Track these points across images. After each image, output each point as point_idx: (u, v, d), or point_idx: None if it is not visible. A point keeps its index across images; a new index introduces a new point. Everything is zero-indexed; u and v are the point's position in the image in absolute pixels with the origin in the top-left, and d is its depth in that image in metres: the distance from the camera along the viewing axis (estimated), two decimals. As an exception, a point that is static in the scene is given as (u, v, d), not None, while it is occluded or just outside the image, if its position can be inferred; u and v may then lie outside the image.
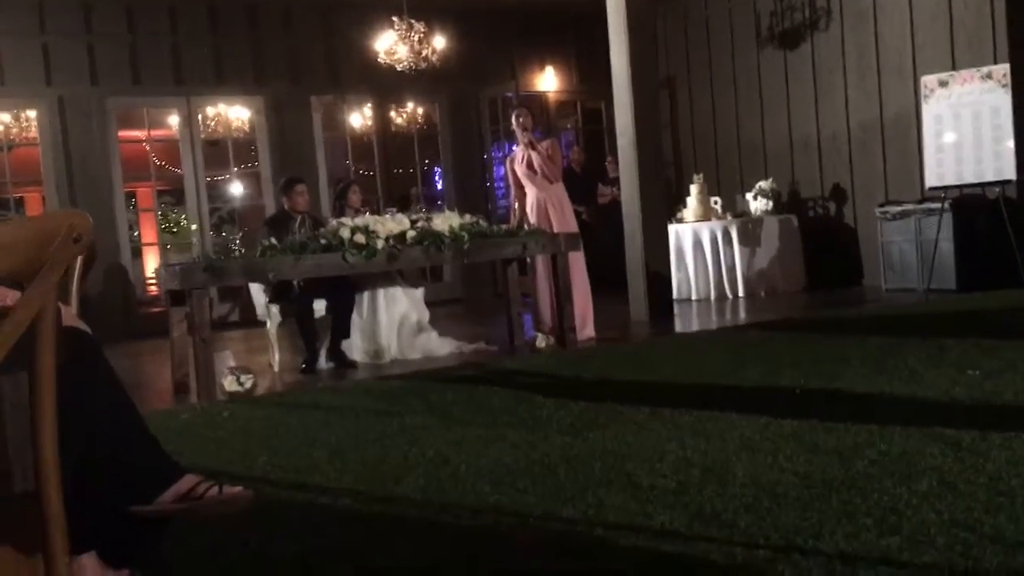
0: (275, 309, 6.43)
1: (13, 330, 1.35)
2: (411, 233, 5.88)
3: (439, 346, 6.63)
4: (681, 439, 3.43)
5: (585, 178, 10.81)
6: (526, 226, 6.72)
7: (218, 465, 3.61)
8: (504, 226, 6.61)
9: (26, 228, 1.43)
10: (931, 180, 7.90)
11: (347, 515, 2.88)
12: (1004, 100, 7.43)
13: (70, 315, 2.31)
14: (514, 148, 7.32)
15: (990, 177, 7.53)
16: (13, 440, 1.41)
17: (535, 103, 11.73)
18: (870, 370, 4.43)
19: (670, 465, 3.10)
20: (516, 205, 7.19)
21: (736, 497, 2.71)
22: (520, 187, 7.10)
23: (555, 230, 6.75)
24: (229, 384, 5.26)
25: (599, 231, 10.17)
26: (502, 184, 12.32)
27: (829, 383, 4.28)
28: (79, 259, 2.40)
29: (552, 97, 11.83)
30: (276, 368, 6.46)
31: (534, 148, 6.90)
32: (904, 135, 8.96)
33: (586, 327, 6.89)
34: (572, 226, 6.91)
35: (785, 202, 9.79)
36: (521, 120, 6.95)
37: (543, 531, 2.59)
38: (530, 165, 6.94)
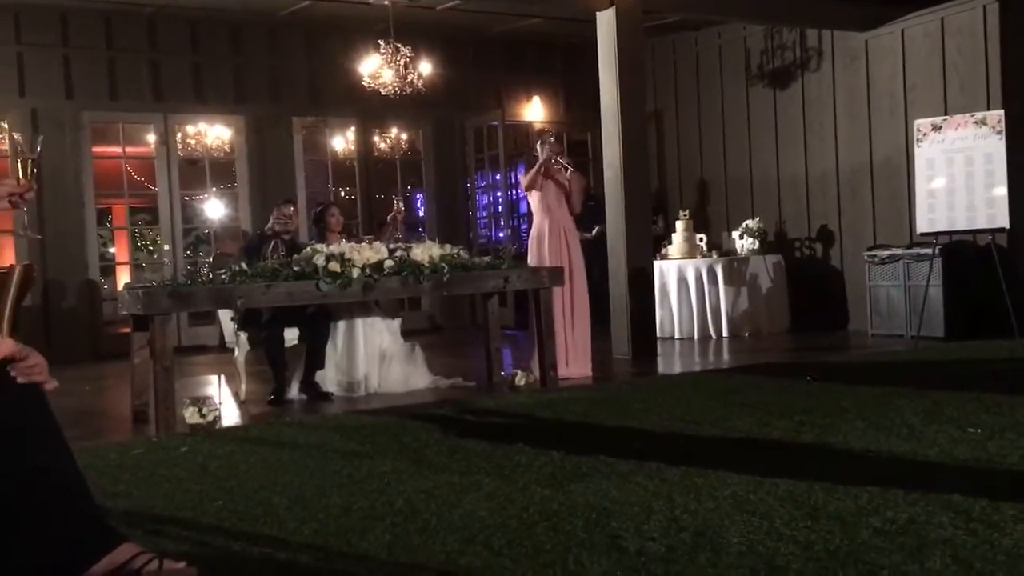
0: (243, 336, 6.17)
1: None
2: (389, 263, 5.63)
3: (416, 380, 6.39)
4: (669, 496, 3.19)
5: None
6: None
7: (168, 509, 3.35)
8: (486, 258, 6.37)
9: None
10: (922, 226, 7.75)
11: (305, 576, 2.63)
12: (997, 147, 7.30)
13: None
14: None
15: (982, 224, 7.39)
16: None
17: (521, 132, 11.57)
18: (866, 424, 4.22)
19: (658, 526, 2.87)
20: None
21: (732, 568, 2.47)
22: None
23: (571, 264, 6.60)
24: (190, 416, 4.97)
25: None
26: (485, 214, 12.12)
27: (822, 437, 4.07)
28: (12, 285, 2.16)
29: (538, 127, 11.66)
30: (243, 398, 6.19)
31: (560, 170, 6.75)
32: (894, 178, 8.85)
33: (585, 363, 6.70)
34: (581, 261, 6.78)
35: (772, 242, 9.64)
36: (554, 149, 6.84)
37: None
38: (558, 184, 6.76)
